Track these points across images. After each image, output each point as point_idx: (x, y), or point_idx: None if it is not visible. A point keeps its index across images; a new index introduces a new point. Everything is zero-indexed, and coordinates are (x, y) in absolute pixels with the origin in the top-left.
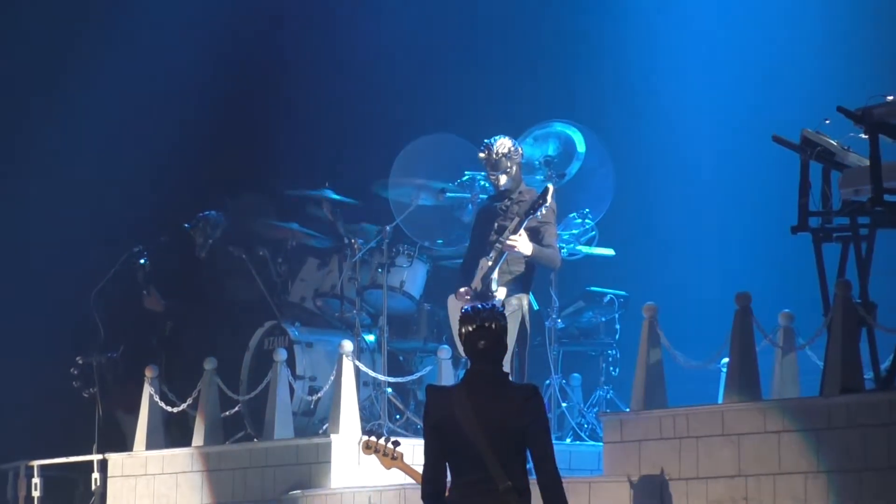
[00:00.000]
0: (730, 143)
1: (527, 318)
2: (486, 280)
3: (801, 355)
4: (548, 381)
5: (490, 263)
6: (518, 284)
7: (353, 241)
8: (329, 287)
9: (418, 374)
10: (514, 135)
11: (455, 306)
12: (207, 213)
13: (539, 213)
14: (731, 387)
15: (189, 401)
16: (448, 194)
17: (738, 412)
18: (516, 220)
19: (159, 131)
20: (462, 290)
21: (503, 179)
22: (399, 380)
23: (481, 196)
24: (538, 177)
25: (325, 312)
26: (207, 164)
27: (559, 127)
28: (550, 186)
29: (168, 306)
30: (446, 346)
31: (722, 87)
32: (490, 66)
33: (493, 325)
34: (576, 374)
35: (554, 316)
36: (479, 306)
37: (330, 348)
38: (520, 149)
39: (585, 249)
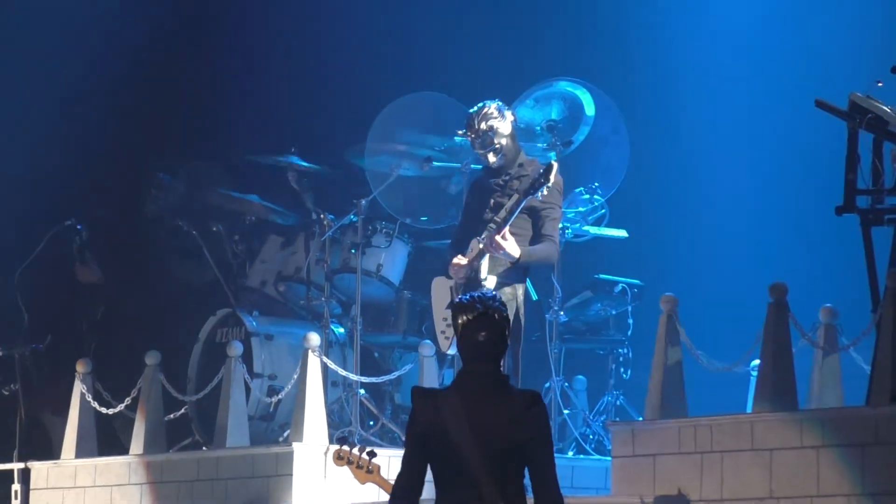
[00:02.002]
0: (765, 109)
1: (521, 310)
2: (475, 266)
3: (845, 357)
4: (547, 384)
5: (481, 246)
6: (513, 272)
7: (322, 216)
8: (293, 270)
9: (396, 374)
10: (512, 96)
11: (441, 290)
12: (163, 174)
13: (539, 195)
14: (762, 394)
15: (127, 401)
16: (434, 163)
17: (770, 423)
18: (511, 200)
19: (92, 87)
20: (455, 260)
21: (493, 157)
22: (374, 380)
23: (473, 166)
24: (540, 144)
25: (288, 299)
26: (152, 127)
27: (564, 86)
28: (555, 163)
29: (105, 280)
30: (429, 342)
31: (757, 43)
32: (483, 14)
33: (496, 315)
34: (580, 377)
35: (556, 308)
36: (478, 294)
37: (293, 342)
38: (510, 115)
39: (594, 230)
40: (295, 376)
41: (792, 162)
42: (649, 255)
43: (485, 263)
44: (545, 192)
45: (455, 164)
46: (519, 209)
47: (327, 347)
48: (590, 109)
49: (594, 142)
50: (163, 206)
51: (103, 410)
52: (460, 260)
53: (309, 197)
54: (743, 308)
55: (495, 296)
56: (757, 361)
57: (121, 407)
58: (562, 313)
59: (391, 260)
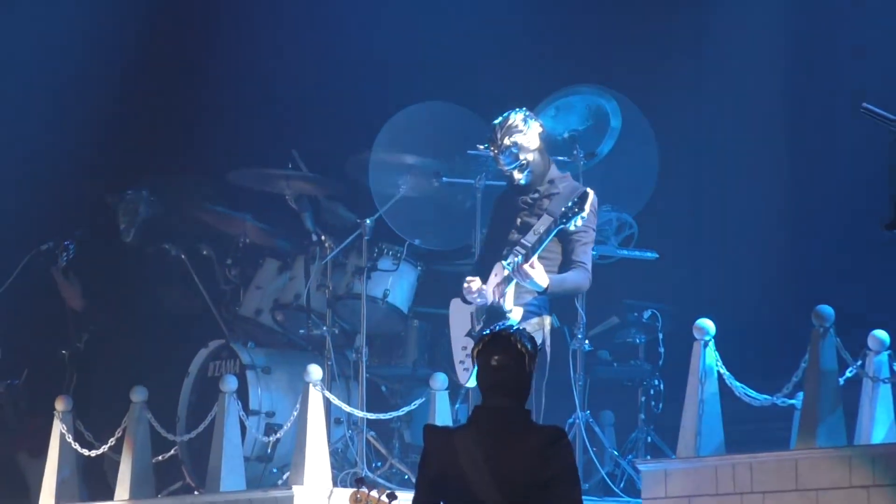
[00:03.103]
0: (804, 118)
1: (548, 341)
2: (500, 293)
3: None
4: (571, 419)
5: (506, 273)
6: (541, 301)
7: (323, 238)
8: (292, 297)
9: (405, 410)
10: (532, 104)
11: (460, 315)
12: (141, 189)
13: (572, 225)
14: (807, 429)
15: (111, 441)
16: (444, 179)
17: (815, 461)
18: (541, 225)
19: (76, 97)
20: (468, 282)
21: (519, 175)
22: (381, 416)
23: (487, 182)
24: (561, 157)
25: (286, 329)
26: (135, 140)
27: (589, 94)
28: (591, 191)
29: (87, 308)
30: (441, 374)
31: (794, 47)
32: (499, 16)
33: (513, 339)
34: (607, 411)
35: (580, 336)
36: (500, 325)
37: (293, 375)
38: (537, 126)
39: (621, 251)
40: (295, 413)
41: (834, 175)
42: (681, 277)
43: (510, 292)
44: (578, 223)
45: (468, 181)
46: (549, 238)
47: (330, 381)
48: (616, 119)
49: (621, 154)
50: (138, 225)
51: (85, 452)
52: (472, 283)
53: (308, 216)
54: (785, 335)
55: (521, 329)
56: (801, 393)
57: (104, 448)
58: (586, 342)
59: (399, 285)
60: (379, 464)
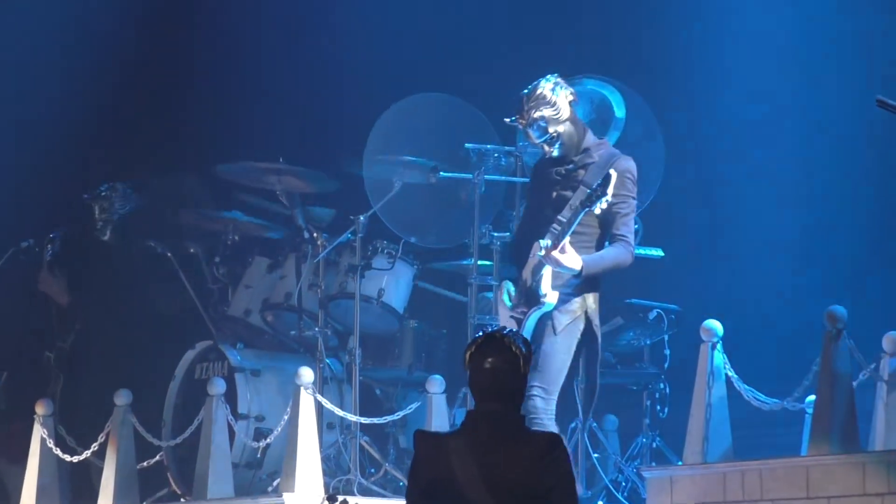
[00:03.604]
0: (819, 111)
1: (594, 321)
2: (536, 277)
3: None
4: (573, 424)
5: (542, 252)
6: (580, 281)
7: (315, 234)
8: (283, 296)
9: (401, 414)
10: None
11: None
12: (115, 182)
13: (596, 207)
14: (818, 434)
15: (94, 447)
16: (442, 174)
17: (828, 468)
18: (571, 208)
19: (61, 90)
20: (501, 297)
21: (549, 148)
22: (375, 421)
23: (487, 177)
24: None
25: (277, 330)
26: (119, 135)
27: (591, 85)
28: (614, 172)
29: (73, 303)
30: (439, 377)
31: (809, 37)
32: (498, 5)
33: (506, 342)
34: (611, 416)
35: None
36: (493, 327)
37: (283, 378)
38: (566, 94)
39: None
40: (285, 417)
41: (849, 171)
42: (688, 276)
43: (546, 275)
44: (603, 205)
45: (466, 175)
46: (578, 220)
47: (322, 384)
48: (620, 111)
49: (625, 148)
50: (116, 222)
51: (67, 458)
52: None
53: (300, 213)
54: (796, 337)
55: (514, 331)
56: (812, 397)
57: (87, 454)
58: None
59: (394, 284)
60: (373, 470)
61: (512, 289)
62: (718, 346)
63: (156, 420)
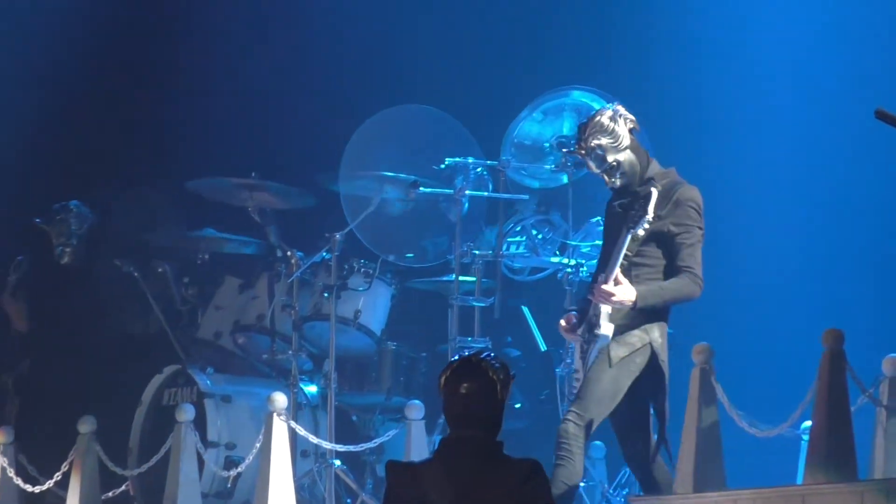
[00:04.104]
0: (813, 124)
1: (661, 356)
2: (597, 310)
3: None
4: None
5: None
6: (643, 312)
7: (289, 253)
8: (255, 318)
9: (378, 441)
10: (517, 107)
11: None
12: (70, 202)
13: (639, 228)
14: (814, 461)
15: (57, 476)
16: (422, 189)
17: (825, 497)
18: (622, 244)
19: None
20: (564, 321)
21: (609, 179)
22: (351, 448)
23: (469, 192)
24: (547, 165)
25: (248, 353)
26: (85, 149)
27: (578, 96)
28: (654, 190)
29: (31, 328)
30: (419, 402)
31: (804, 47)
32: (482, 14)
33: (483, 366)
34: (597, 442)
35: (568, 361)
36: (471, 351)
37: (255, 403)
38: (625, 123)
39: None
40: (257, 445)
41: (846, 186)
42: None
43: (605, 308)
44: (646, 227)
45: (447, 190)
46: (625, 246)
47: (296, 410)
48: None
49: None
50: (76, 243)
51: (28, 488)
52: (569, 324)
53: (273, 231)
54: (791, 359)
55: (492, 354)
56: (808, 423)
57: (49, 484)
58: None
59: (371, 305)
60: (349, 500)
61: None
62: (711, 369)
63: (121, 448)
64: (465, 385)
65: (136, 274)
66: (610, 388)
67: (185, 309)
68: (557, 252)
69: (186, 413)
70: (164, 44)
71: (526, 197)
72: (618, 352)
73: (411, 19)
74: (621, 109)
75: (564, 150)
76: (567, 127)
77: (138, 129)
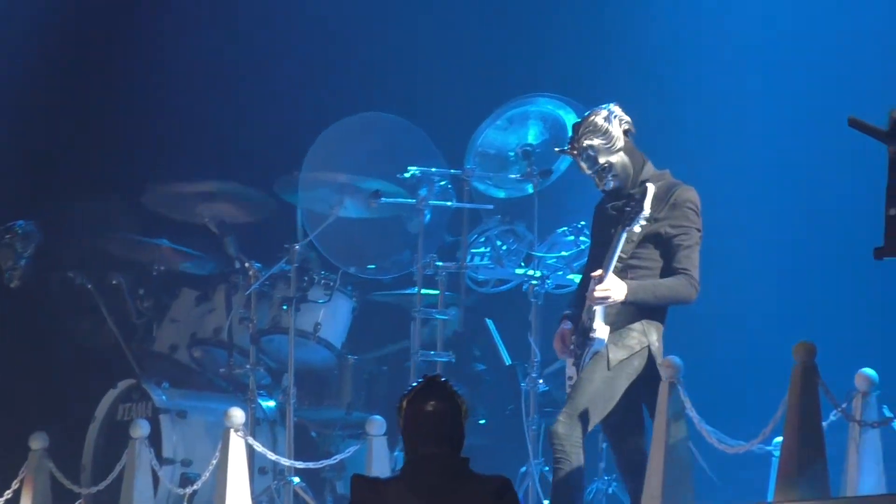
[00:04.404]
0: (788, 131)
1: (658, 360)
2: (590, 313)
3: (887, 433)
4: (524, 468)
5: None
6: (638, 311)
7: (247, 265)
8: (212, 331)
9: (338, 458)
10: (481, 114)
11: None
12: (14, 223)
13: (635, 225)
14: (786, 478)
15: (8, 494)
16: (383, 199)
17: None
18: (615, 244)
19: None
20: (560, 341)
21: (601, 181)
22: (311, 465)
23: (433, 202)
24: (512, 175)
25: (205, 367)
26: (33, 157)
27: (544, 104)
28: (650, 186)
29: None
30: (379, 418)
31: (778, 51)
32: (446, 18)
33: (448, 390)
34: None
35: (534, 375)
36: (432, 374)
37: (212, 419)
38: (619, 123)
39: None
40: (214, 462)
41: (819, 195)
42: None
43: (598, 311)
44: (642, 223)
45: (410, 201)
46: (619, 246)
47: (254, 426)
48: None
49: (580, 172)
50: (24, 265)
51: None
52: (564, 336)
53: (230, 241)
54: (762, 373)
55: (447, 380)
56: (779, 439)
57: (0, 501)
58: (541, 381)
59: (332, 318)
60: None
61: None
62: (679, 383)
63: (74, 465)
64: (432, 403)
65: (89, 286)
66: (604, 389)
67: (140, 322)
68: (522, 263)
69: (141, 429)
70: (122, 48)
71: (490, 207)
72: (616, 354)
73: (373, 24)
74: (617, 110)
75: (557, 149)
76: (533, 135)
77: (93, 135)
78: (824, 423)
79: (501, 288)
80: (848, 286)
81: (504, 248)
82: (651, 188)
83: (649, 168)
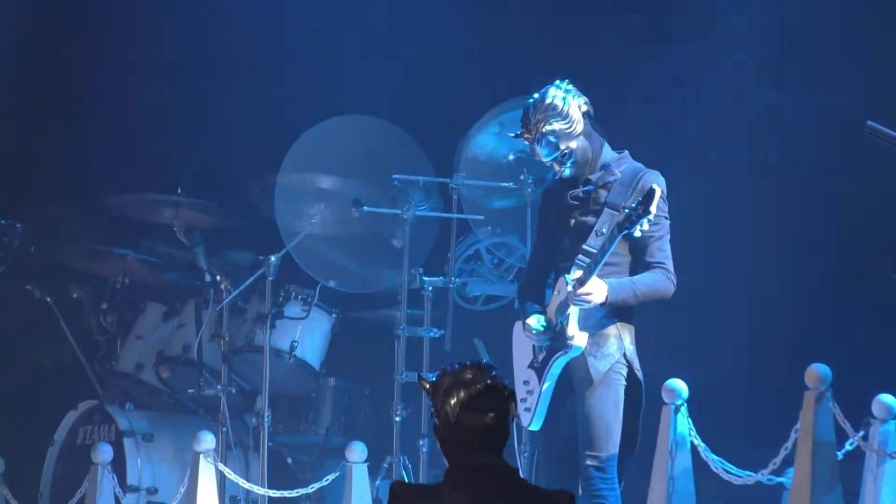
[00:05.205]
0: (798, 137)
1: (635, 366)
2: (562, 316)
3: None
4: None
5: (569, 288)
6: (610, 313)
7: (218, 278)
8: (180, 349)
9: (316, 486)
10: (472, 118)
11: (522, 344)
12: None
13: (636, 230)
14: None
15: None
16: (365, 208)
17: None
18: (603, 229)
19: None
20: (530, 321)
21: (560, 167)
22: (287, 494)
23: (418, 212)
24: (504, 183)
25: (173, 388)
26: None
27: None
28: (657, 188)
29: None
30: (359, 444)
31: (786, 50)
32: (434, 14)
33: (506, 392)
34: (559, 490)
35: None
36: (475, 362)
37: (180, 444)
38: (578, 103)
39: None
40: (182, 489)
41: (833, 205)
42: (648, 328)
43: (574, 314)
44: (645, 227)
45: (394, 210)
46: (614, 246)
47: (225, 451)
48: None
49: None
50: (9, 263)
51: None
52: (529, 321)
53: (200, 252)
54: (772, 399)
55: (494, 370)
56: (791, 470)
57: None
58: None
59: (309, 336)
60: None
61: (543, 321)
62: (683, 409)
63: (32, 492)
64: (491, 414)
65: (48, 299)
66: (613, 413)
67: (102, 338)
68: (515, 278)
69: (103, 454)
70: (80, 47)
71: (481, 217)
72: (598, 367)
73: (356, 20)
74: (574, 89)
75: (511, 134)
76: (509, 144)
77: (53, 138)
78: (839, 453)
79: (492, 305)
80: (865, 303)
81: (495, 261)
82: (658, 189)
83: (607, 151)
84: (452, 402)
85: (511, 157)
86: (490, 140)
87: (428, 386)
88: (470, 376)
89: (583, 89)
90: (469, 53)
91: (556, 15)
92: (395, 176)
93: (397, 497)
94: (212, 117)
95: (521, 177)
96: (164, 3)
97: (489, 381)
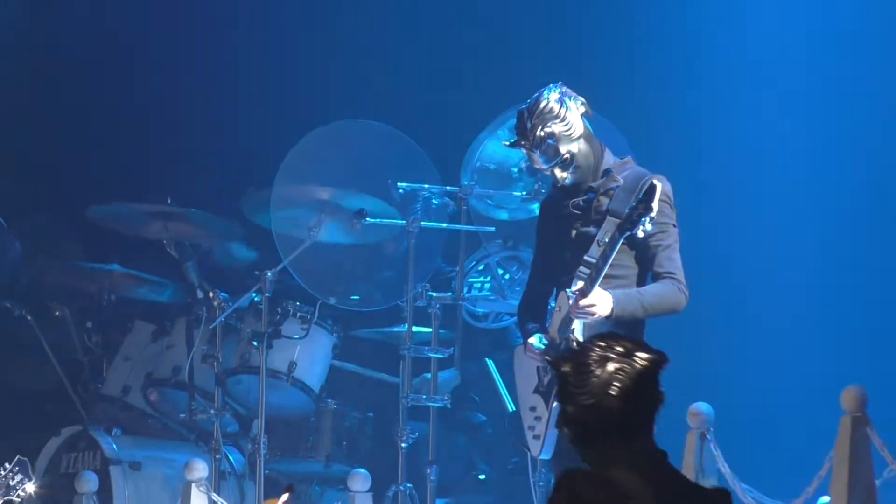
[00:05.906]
0: (824, 140)
1: None
2: (565, 334)
3: None
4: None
5: (570, 301)
6: (616, 327)
7: (211, 294)
8: (170, 371)
9: None
10: (479, 124)
11: (527, 368)
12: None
13: (638, 231)
14: None
15: None
16: (368, 220)
17: None
18: (605, 238)
19: None
20: (531, 341)
21: (562, 174)
22: None
23: (425, 224)
24: (516, 192)
25: (162, 412)
26: None
27: None
28: (658, 184)
29: None
30: (362, 471)
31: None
32: (442, 18)
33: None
34: None
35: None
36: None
37: (170, 472)
38: (577, 106)
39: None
40: None
41: (867, 215)
42: (670, 347)
43: (578, 329)
44: (648, 227)
45: (399, 222)
46: (615, 252)
47: (218, 480)
48: None
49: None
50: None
51: None
52: (531, 341)
53: (192, 267)
54: (804, 423)
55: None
56: (826, 499)
57: None
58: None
59: (309, 356)
60: None
61: (544, 340)
62: (709, 433)
63: None
64: (662, 393)
65: (28, 318)
66: None
67: (87, 360)
68: None
69: (88, 483)
70: (68, 49)
71: (491, 229)
72: None
73: (360, 23)
74: (570, 91)
75: (505, 143)
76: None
77: (36, 146)
78: (877, 481)
79: (503, 323)
80: None
81: (506, 276)
82: (659, 186)
83: (609, 156)
84: (622, 376)
85: (523, 164)
86: (498, 147)
87: (570, 367)
88: (612, 342)
89: (583, 91)
90: (478, 55)
91: (567, 18)
92: (400, 184)
93: (569, 485)
94: (203, 124)
95: (535, 186)
96: (157, 9)
97: (653, 356)
